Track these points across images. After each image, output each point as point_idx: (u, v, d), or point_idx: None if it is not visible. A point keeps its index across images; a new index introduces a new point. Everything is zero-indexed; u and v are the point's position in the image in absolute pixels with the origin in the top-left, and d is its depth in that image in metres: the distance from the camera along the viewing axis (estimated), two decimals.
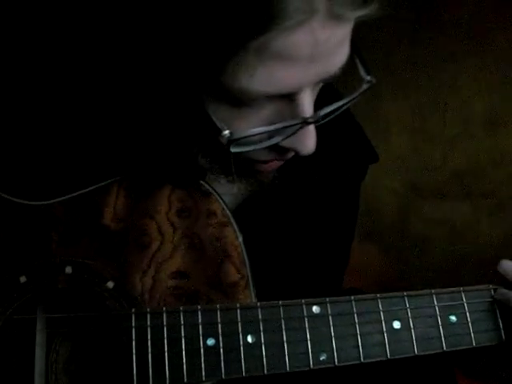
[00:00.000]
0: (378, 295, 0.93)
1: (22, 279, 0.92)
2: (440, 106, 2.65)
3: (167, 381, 0.87)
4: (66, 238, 0.93)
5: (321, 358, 0.90)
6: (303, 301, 0.91)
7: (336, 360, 0.90)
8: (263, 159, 0.92)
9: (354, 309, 0.92)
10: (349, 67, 0.84)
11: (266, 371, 0.88)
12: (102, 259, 0.93)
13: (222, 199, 0.96)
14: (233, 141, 0.83)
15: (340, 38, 0.79)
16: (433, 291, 0.95)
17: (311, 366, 0.89)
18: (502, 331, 0.96)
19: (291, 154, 0.92)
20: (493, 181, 2.62)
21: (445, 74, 2.65)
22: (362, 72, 0.87)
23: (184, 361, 0.88)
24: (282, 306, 0.90)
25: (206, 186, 0.96)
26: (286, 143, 0.87)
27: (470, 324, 0.94)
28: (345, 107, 0.88)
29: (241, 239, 0.94)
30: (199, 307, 0.90)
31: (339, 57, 0.82)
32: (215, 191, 0.96)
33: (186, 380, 0.87)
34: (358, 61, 0.86)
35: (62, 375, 0.93)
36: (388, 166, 2.49)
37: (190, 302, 0.92)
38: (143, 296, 0.92)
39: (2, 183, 0.96)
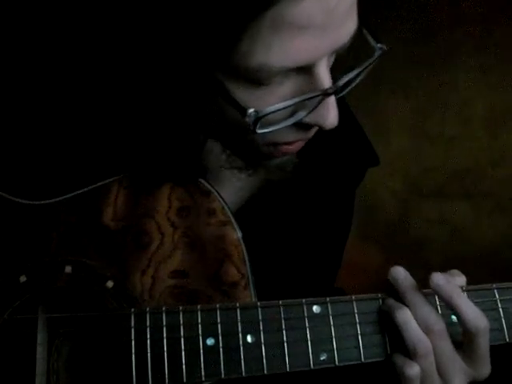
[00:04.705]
0: (379, 295, 0.93)
1: (22, 279, 0.92)
2: (440, 106, 2.66)
3: (166, 380, 0.87)
4: (66, 238, 0.93)
5: (321, 358, 0.89)
6: (303, 300, 0.91)
7: (336, 360, 0.89)
8: (287, 140, 0.91)
9: (355, 309, 0.91)
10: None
11: (265, 371, 0.88)
12: (101, 259, 0.93)
13: (222, 198, 0.96)
14: (259, 118, 0.81)
15: (348, 4, 0.79)
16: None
17: (311, 366, 0.89)
18: (388, 346, 0.92)
19: (314, 132, 0.91)
20: (493, 181, 2.62)
21: (445, 74, 2.65)
22: (372, 42, 0.87)
23: (183, 360, 0.87)
24: (282, 305, 0.90)
25: (206, 184, 0.96)
26: (308, 119, 0.86)
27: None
28: (361, 76, 0.87)
29: (240, 235, 0.94)
30: (199, 307, 0.89)
31: (349, 24, 0.82)
32: (215, 190, 0.96)
33: (185, 380, 0.87)
34: (366, 32, 0.86)
35: (63, 375, 0.93)
36: (388, 166, 2.50)
37: (189, 301, 0.92)
38: (143, 295, 0.92)
39: (1, 182, 0.95)
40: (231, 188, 1.05)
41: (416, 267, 0.94)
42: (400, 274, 0.92)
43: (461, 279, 0.94)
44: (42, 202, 0.95)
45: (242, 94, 0.82)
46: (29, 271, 0.92)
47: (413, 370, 0.88)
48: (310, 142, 1.01)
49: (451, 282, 0.90)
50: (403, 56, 2.59)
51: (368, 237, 2.44)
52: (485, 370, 0.91)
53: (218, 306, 0.90)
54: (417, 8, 2.61)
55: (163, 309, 0.89)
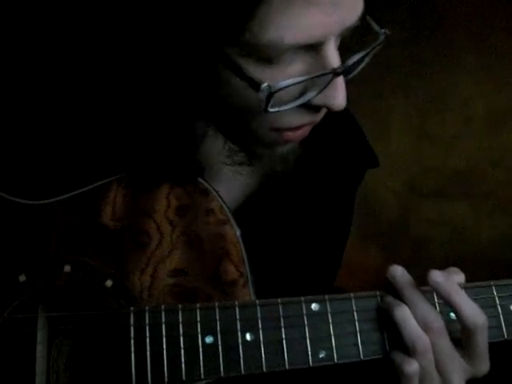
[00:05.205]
0: (378, 293, 0.93)
1: (22, 278, 0.92)
2: (440, 106, 2.66)
3: (166, 379, 0.87)
4: (65, 237, 0.93)
5: (320, 356, 0.89)
6: (302, 298, 0.91)
7: (335, 358, 0.89)
8: (293, 124, 0.91)
9: (354, 306, 0.91)
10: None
11: (264, 369, 0.88)
12: (100, 258, 0.93)
13: (220, 197, 0.96)
14: (272, 94, 0.82)
15: None
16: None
17: (310, 364, 0.89)
18: (387, 343, 0.92)
19: (320, 117, 0.92)
20: (493, 181, 2.62)
21: (445, 73, 2.65)
22: (376, 27, 0.88)
23: (182, 359, 0.87)
24: (281, 303, 0.90)
25: (205, 183, 0.96)
26: (317, 100, 0.86)
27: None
28: (367, 59, 0.88)
29: (239, 234, 0.94)
30: (198, 305, 0.90)
31: (358, 3, 0.83)
32: (214, 189, 0.96)
33: (184, 378, 0.87)
34: (370, 18, 0.87)
35: (63, 373, 0.93)
36: (388, 166, 2.50)
37: (188, 299, 0.92)
38: (142, 294, 0.92)
39: (0, 182, 0.96)
40: (232, 185, 1.06)
41: (416, 267, 0.94)
42: (398, 271, 0.92)
43: (459, 277, 0.94)
44: (41, 202, 0.95)
45: (253, 72, 0.82)
46: (28, 270, 0.92)
47: (412, 367, 0.88)
48: (311, 141, 1.02)
49: (449, 280, 0.90)
50: (403, 56, 2.59)
51: (368, 237, 2.44)
52: (483, 366, 0.91)
53: (216, 304, 0.90)
54: (417, 8, 2.61)
55: (162, 307, 0.89)
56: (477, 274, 0.95)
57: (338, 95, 0.86)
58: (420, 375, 0.88)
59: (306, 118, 0.90)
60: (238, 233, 0.94)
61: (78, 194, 0.95)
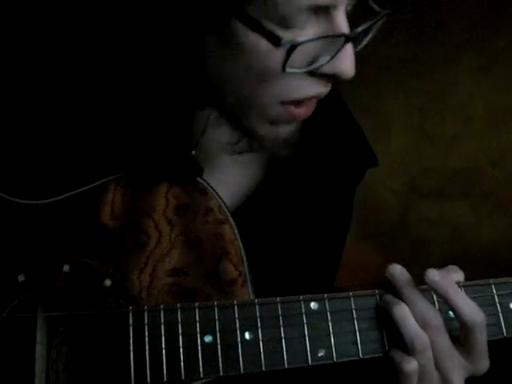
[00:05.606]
0: (377, 291, 0.93)
1: (21, 278, 0.92)
2: (440, 106, 2.66)
3: (165, 378, 0.87)
4: (64, 237, 0.93)
5: (319, 355, 0.89)
6: (301, 297, 0.91)
7: (334, 356, 0.90)
8: (302, 95, 0.92)
9: (353, 305, 0.91)
10: None
11: (263, 368, 0.88)
12: (99, 257, 0.93)
13: (219, 196, 0.96)
14: (293, 47, 0.84)
15: None
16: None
17: (309, 363, 0.89)
18: (386, 341, 0.92)
19: (328, 89, 0.93)
20: (493, 181, 2.61)
21: (445, 74, 2.65)
22: (377, 8, 0.90)
23: (181, 358, 0.88)
24: (280, 302, 0.90)
25: (204, 183, 0.96)
26: (328, 67, 0.88)
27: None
28: (374, 28, 0.91)
29: (237, 233, 0.95)
30: (197, 304, 0.90)
31: None
32: (212, 188, 0.96)
33: (183, 377, 0.87)
34: (371, 1, 0.90)
35: (62, 373, 0.93)
36: (388, 165, 2.49)
37: (187, 299, 0.92)
38: (141, 294, 0.92)
39: None
40: (233, 177, 1.06)
41: (416, 267, 0.94)
42: (397, 270, 0.92)
43: (458, 275, 0.94)
44: (40, 202, 0.95)
45: (273, 31, 0.84)
46: (27, 270, 0.92)
47: (411, 365, 0.88)
48: (310, 140, 1.02)
49: (447, 278, 0.90)
50: (403, 56, 2.59)
51: (368, 237, 2.43)
52: (483, 364, 0.91)
53: (215, 303, 0.90)
54: (417, 8, 2.61)
55: (161, 306, 0.90)
56: (476, 274, 0.95)
57: (347, 63, 0.88)
58: (419, 373, 0.88)
59: (313, 89, 0.92)
60: (237, 232, 0.95)
61: (76, 194, 0.95)
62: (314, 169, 1.12)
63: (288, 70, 0.85)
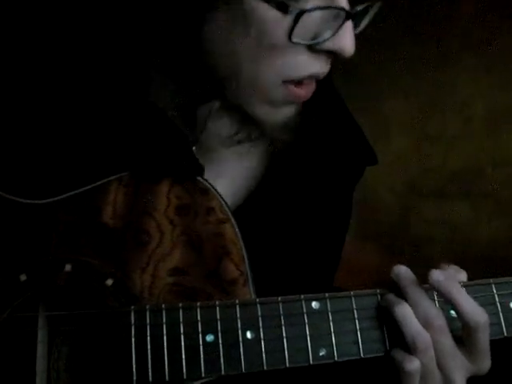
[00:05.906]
0: (378, 290, 0.93)
1: (22, 277, 0.92)
2: (440, 106, 2.65)
3: (167, 377, 0.87)
4: (66, 237, 0.93)
5: (320, 354, 0.90)
6: (302, 297, 0.91)
7: (336, 355, 0.90)
8: (303, 73, 0.93)
9: (354, 304, 0.92)
10: None
11: (265, 367, 0.88)
12: (101, 257, 0.93)
13: (220, 196, 0.96)
14: (301, 14, 0.86)
15: None
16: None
17: (311, 362, 0.89)
18: (387, 341, 0.92)
19: (327, 68, 0.95)
20: (493, 181, 2.61)
21: (445, 73, 2.65)
22: None
23: (183, 357, 0.88)
24: (281, 302, 0.90)
25: (205, 182, 0.96)
26: (329, 44, 0.90)
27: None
28: (373, 10, 0.93)
29: (239, 232, 0.95)
30: (198, 304, 0.90)
31: None
32: (214, 188, 0.96)
33: (185, 376, 0.87)
34: None
35: (63, 373, 0.93)
36: (388, 165, 2.49)
37: (189, 298, 0.92)
38: (142, 293, 0.92)
39: (0, 182, 0.96)
40: (232, 171, 1.06)
41: (416, 267, 0.94)
42: (402, 269, 0.93)
43: (461, 275, 0.94)
44: (42, 202, 0.95)
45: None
46: (29, 270, 0.92)
47: (413, 364, 0.88)
48: (310, 139, 1.02)
49: (450, 278, 0.90)
50: (403, 56, 2.58)
51: (368, 237, 2.43)
52: (485, 364, 0.91)
53: (217, 302, 0.90)
54: (417, 8, 2.60)
55: (163, 306, 0.90)
56: (476, 274, 0.95)
57: (347, 40, 0.90)
58: (421, 373, 0.88)
59: (314, 67, 0.93)
60: (238, 232, 0.95)
61: (78, 194, 0.95)
62: (313, 167, 1.12)
63: (294, 39, 0.87)
